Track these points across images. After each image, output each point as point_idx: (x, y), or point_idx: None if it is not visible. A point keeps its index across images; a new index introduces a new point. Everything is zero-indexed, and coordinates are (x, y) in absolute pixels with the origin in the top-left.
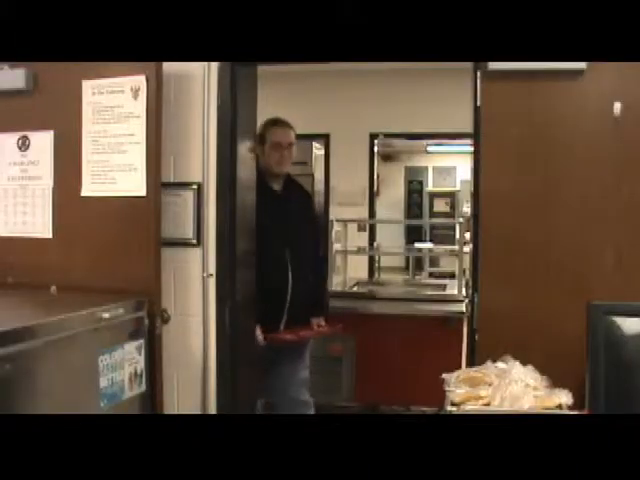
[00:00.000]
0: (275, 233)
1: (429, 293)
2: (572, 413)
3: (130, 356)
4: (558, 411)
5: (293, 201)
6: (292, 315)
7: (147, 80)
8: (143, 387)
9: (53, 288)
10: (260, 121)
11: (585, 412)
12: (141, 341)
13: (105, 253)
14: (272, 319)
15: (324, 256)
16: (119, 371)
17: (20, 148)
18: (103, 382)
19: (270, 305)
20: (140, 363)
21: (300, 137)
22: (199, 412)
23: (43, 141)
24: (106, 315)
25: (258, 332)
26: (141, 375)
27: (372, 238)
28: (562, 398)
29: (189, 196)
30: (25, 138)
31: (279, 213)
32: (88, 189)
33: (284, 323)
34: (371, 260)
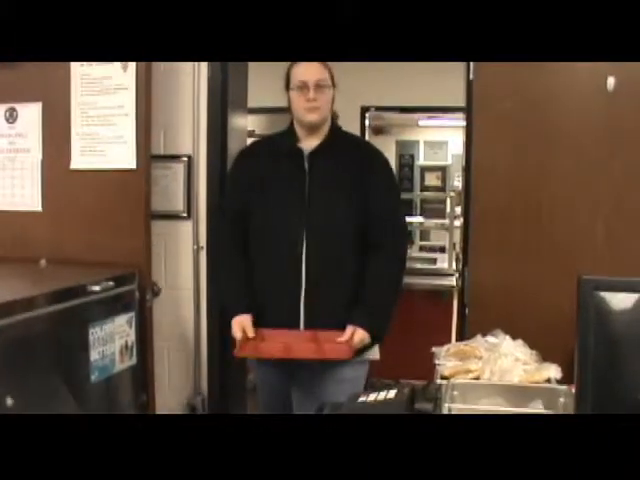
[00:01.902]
0: (285, 212)
1: (419, 267)
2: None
3: (121, 329)
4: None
5: (326, 166)
6: (313, 310)
7: None
8: (134, 360)
9: (42, 261)
10: (251, 94)
11: (573, 386)
12: (132, 314)
13: (95, 226)
14: (280, 310)
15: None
16: (110, 344)
17: (8, 120)
18: (94, 355)
19: (277, 288)
20: (131, 336)
21: (288, 109)
22: (190, 385)
23: (31, 113)
24: (96, 288)
25: (236, 330)
26: (132, 348)
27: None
28: (551, 372)
29: (179, 168)
30: (12, 110)
31: (295, 183)
32: (77, 162)
33: (303, 321)
34: None
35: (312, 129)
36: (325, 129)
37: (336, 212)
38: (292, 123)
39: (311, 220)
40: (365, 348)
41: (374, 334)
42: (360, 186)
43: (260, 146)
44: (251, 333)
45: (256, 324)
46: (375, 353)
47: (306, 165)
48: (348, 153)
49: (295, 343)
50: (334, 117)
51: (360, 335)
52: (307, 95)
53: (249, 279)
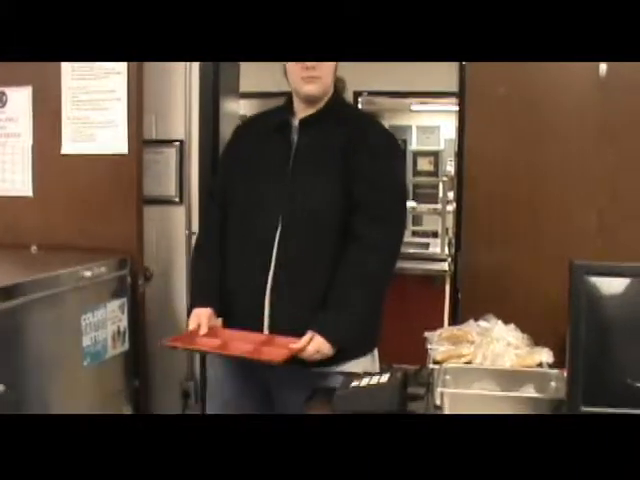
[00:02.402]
0: (264, 191)
1: (412, 252)
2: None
3: (113, 315)
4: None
5: (316, 140)
6: (279, 312)
7: None
8: (126, 346)
9: (34, 247)
10: (244, 78)
11: (565, 370)
12: (124, 300)
13: (86, 211)
14: (243, 309)
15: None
16: (102, 330)
17: None
18: (86, 341)
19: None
20: (123, 322)
21: (281, 94)
22: (183, 370)
23: (21, 97)
24: (88, 274)
25: (190, 322)
26: (124, 334)
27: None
28: (543, 356)
29: (171, 153)
30: (2, 94)
31: (279, 158)
32: (68, 147)
33: (267, 323)
34: None
35: (311, 102)
36: (325, 101)
37: (320, 192)
38: (290, 96)
39: (291, 203)
40: (341, 357)
41: (339, 344)
42: (348, 164)
43: (252, 122)
44: (204, 329)
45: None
46: (360, 364)
47: (294, 138)
48: (343, 126)
49: (237, 342)
50: (338, 87)
51: (317, 344)
52: (305, 63)
53: (219, 272)
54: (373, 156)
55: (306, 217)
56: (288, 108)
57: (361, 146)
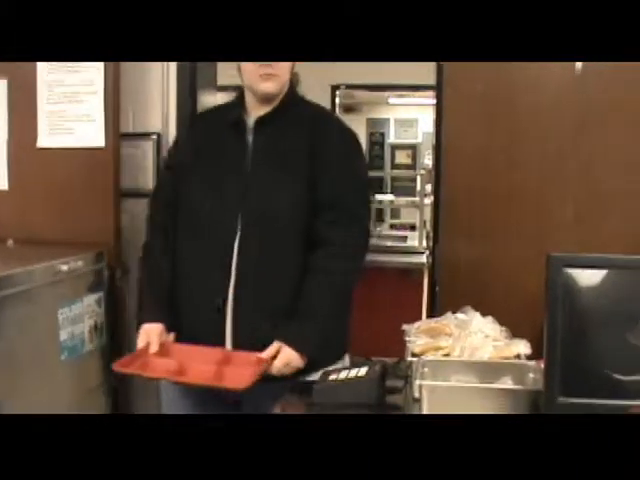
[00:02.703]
0: (221, 190)
1: (390, 245)
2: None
3: (90, 309)
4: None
5: (274, 140)
6: (244, 325)
7: None
8: (104, 340)
9: (10, 241)
10: (221, 71)
11: (542, 361)
12: (101, 294)
13: (63, 205)
14: (200, 322)
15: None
16: (79, 324)
17: None
18: (63, 335)
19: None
20: (100, 316)
21: None
22: None
23: None
24: (65, 268)
25: (139, 341)
26: (102, 328)
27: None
28: (520, 348)
29: (148, 147)
30: None
31: (233, 159)
32: (45, 140)
33: (231, 338)
34: None
35: (266, 100)
36: (280, 99)
37: (281, 196)
38: (242, 91)
39: (249, 205)
40: (311, 367)
41: (308, 355)
42: (312, 165)
43: (202, 119)
44: (155, 347)
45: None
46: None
47: (249, 138)
48: (303, 124)
49: (195, 364)
50: (293, 81)
51: (286, 356)
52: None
53: (169, 281)
54: (337, 157)
55: (269, 221)
56: (241, 104)
57: (324, 147)
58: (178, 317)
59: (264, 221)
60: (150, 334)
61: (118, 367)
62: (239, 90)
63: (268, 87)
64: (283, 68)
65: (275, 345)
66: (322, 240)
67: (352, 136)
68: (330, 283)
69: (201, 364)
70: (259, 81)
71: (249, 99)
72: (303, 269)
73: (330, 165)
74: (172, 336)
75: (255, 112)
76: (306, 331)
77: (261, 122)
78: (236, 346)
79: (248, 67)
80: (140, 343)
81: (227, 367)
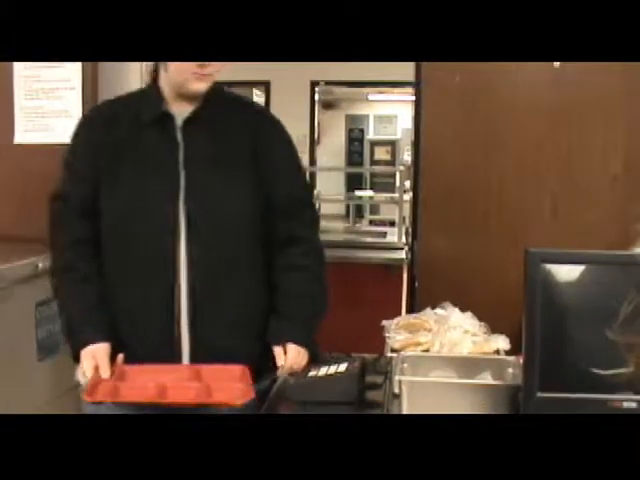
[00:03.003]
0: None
1: (369, 241)
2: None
3: None
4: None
5: (208, 138)
6: (204, 338)
7: None
8: None
9: None
10: None
11: (521, 356)
12: None
13: (41, 201)
14: (151, 340)
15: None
16: (58, 322)
17: None
18: (41, 333)
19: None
20: None
21: (239, 84)
22: None
23: None
24: (41, 265)
25: (86, 365)
26: None
27: (312, 186)
28: (499, 343)
29: None
30: None
31: (163, 160)
32: (22, 136)
33: (189, 354)
34: None
35: (190, 97)
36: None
37: (227, 199)
38: (155, 82)
39: (192, 210)
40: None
41: (310, 350)
42: (258, 164)
43: (109, 111)
44: (106, 371)
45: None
46: None
47: (179, 137)
48: (238, 121)
49: (171, 383)
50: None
51: (294, 352)
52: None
53: (103, 295)
54: (285, 155)
55: (216, 231)
56: (158, 97)
57: (269, 145)
58: (119, 337)
59: (212, 229)
60: (97, 356)
61: (89, 399)
62: (152, 81)
63: (201, 87)
64: (217, 67)
65: (279, 349)
66: (292, 239)
67: (285, 129)
68: (312, 280)
69: (178, 382)
70: (192, 80)
71: (167, 91)
72: (258, 273)
73: (281, 163)
74: (121, 357)
75: (177, 108)
76: (305, 328)
77: (192, 119)
78: (194, 361)
79: (182, 65)
80: (88, 369)
81: (213, 382)
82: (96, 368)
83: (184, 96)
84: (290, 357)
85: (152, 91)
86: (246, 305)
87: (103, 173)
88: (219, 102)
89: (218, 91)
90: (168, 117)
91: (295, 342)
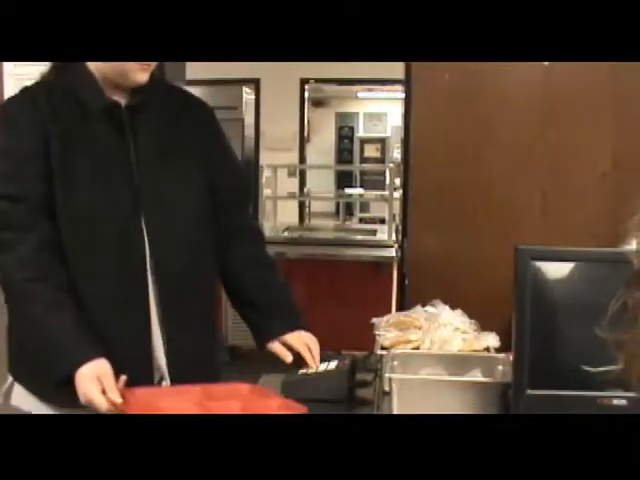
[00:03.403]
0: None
1: (359, 238)
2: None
3: None
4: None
5: (155, 128)
6: (180, 345)
7: None
8: None
9: None
10: (190, 65)
11: (511, 353)
12: None
13: None
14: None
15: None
16: None
17: None
18: None
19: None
20: None
21: (229, 81)
22: None
23: None
24: None
25: (92, 388)
26: None
27: (302, 184)
28: (489, 341)
29: None
30: None
31: (114, 152)
32: None
33: (166, 364)
34: (301, 206)
35: (125, 86)
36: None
37: (185, 190)
38: (86, 70)
39: (149, 206)
40: None
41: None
42: (204, 153)
43: (42, 97)
44: (117, 396)
45: None
46: None
47: (127, 127)
48: (178, 109)
49: (210, 404)
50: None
51: (312, 340)
52: None
53: (78, 303)
54: (225, 144)
55: (179, 222)
56: (94, 84)
57: (212, 137)
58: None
59: (176, 224)
60: (102, 378)
61: (127, 409)
62: (79, 69)
63: (144, 78)
64: None
65: (299, 342)
66: (243, 230)
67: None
68: (273, 267)
69: (215, 402)
70: (137, 71)
71: (104, 82)
72: (215, 266)
73: (224, 152)
74: (123, 379)
75: (117, 97)
76: (296, 313)
77: (137, 109)
78: (171, 364)
79: None
80: (92, 394)
81: (245, 402)
82: (103, 392)
83: (123, 86)
84: (313, 346)
85: (87, 77)
86: (211, 303)
87: (55, 168)
88: (158, 91)
89: (156, 79)
90: (115, 106)
91: (301, 328)
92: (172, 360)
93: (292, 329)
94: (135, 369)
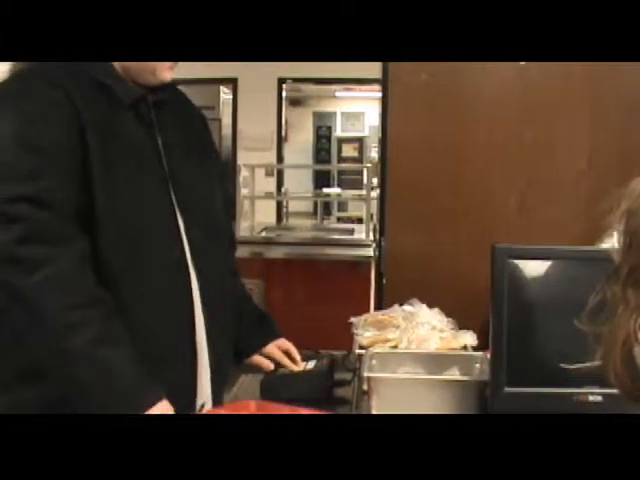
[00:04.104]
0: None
1: (337, 238)
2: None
3: None
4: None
5: (178, 126)
6: (218, 361)
7: None
8: None
9: None
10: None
11: (489, 352)
12: None
13: None
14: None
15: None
16: None
17: None
18: None
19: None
20: None
21: (207, 81)
22: None
23: None
24: None
25: None
26: None
27: (280, 183)
28: (467, 339)
29: None
30: None
31: (145, 151)
32: None
33: (209, 367)
34: (279, 205)
35: (148, 92)
36: None
37: (212, 196)
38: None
39: (189, 208)
40: None
41: None
42: (215, 158)
43: (68, 80)
44: None
45: None
46: None
47: (155, 123)
48: (190, 110)
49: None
50: None
51: (285, 345)
52: None
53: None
54: (218, 153)
55: (209, 227)
56: (124, 79)
57: (212, 141)
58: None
59: (207, 229)
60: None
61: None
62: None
63: (170, 76)
64: None
65: (278, 352)
66: (231, 239)
67: None
68: (240, 277)
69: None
70: (165, 70)
71: (126, 77)
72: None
73: (220, 160)
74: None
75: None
76: (269, 321)
77: (160, 105)
78: (214, 375)
79: None
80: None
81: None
82: None
83: (147, 83)
84: (292, 350)
85: (112, 71)
86: (230, 310)
87: (95, 165)
88: (175, 89)
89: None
90: (144, 101)
91: (278, 336)
92: (216, 386)
93: (271, 339)
94: (181, 399)
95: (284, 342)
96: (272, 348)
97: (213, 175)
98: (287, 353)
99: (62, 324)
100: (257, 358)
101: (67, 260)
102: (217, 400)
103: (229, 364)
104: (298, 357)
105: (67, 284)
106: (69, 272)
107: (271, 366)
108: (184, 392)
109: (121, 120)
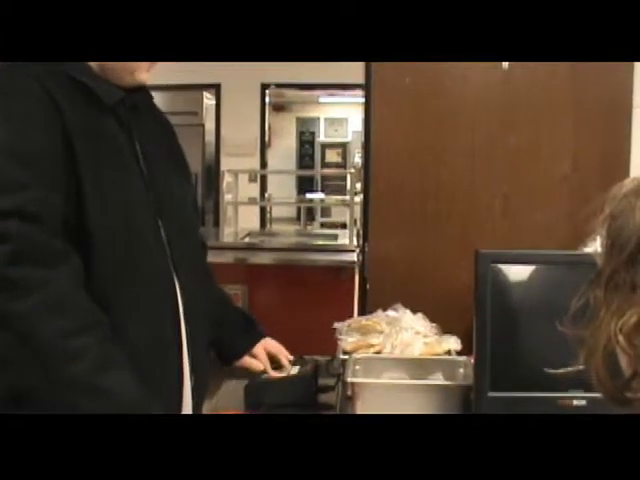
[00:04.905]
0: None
1: (321, 243)
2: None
3: None
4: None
5: (151, 129)
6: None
7: None
8: None
9: None
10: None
11: (472, 356)
12: None
13: None
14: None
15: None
16: None
17: None
18: None
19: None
20: None
21: (190, 87)
22: None
23: None
24: None
25: None
26: None
27: (263, 189)
28: (451, 344)
29: None
30: None
31: (125, 154)
32: None
33: (190, 377)
34: (262, 211)
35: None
36: None
37: (186, 203)
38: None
39: (166, 219)
40: None
41: None
42: (184, 161)
43: (50, 79)
44: None
45: None
46: None
47: (132, 127)
48: (159, 112)
49: None
50: None
51: (271, 344)
52: None
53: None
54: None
55: (186, 233)
56: (103, 79)
57: (177, 138)
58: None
59: (186, 234)
60: None
61: None
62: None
63: (148, 78)
64: None
65: (263, 353)
66: (202, 244)
67: None
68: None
69: None
70: (143, 71)
71: (102, 77)
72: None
73: (188, 167)
74: None
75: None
76: (253, 322)
77: (136, 107)
78: (196, 384)
79: None
80: None
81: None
82: None
83: (125, 84)
84: (280, 349)
85: (89, 70)
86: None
87: (84, 172)
88: (146, 92)
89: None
90: (123, 102)
91: (264, 336)
92: (196, 402)
93: (258, 339)
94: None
95: (270, 341)
96: (259, 349)
97: (185, 179)
98: (275, 355)
99: (60, 353)
100: (247, 360)
101: (62, 281)
102: (198, 411)
103: (207, 373)
104: (286, 355)
105: (63, 307)
106: (64, 295)
107: (261, 366)
108: (172, 406)
109: (103, 121)
